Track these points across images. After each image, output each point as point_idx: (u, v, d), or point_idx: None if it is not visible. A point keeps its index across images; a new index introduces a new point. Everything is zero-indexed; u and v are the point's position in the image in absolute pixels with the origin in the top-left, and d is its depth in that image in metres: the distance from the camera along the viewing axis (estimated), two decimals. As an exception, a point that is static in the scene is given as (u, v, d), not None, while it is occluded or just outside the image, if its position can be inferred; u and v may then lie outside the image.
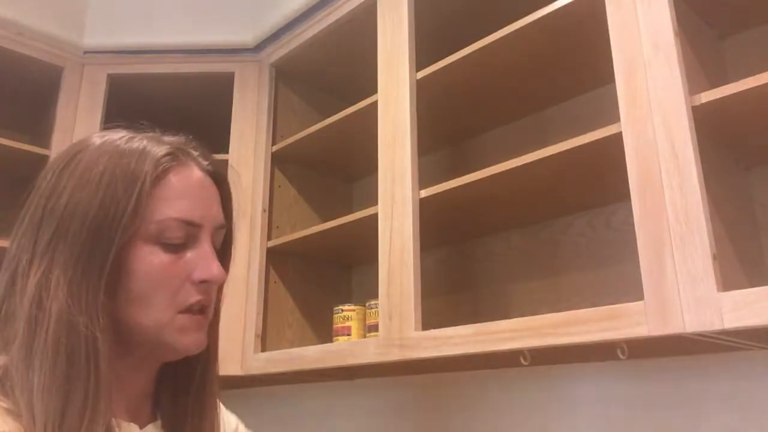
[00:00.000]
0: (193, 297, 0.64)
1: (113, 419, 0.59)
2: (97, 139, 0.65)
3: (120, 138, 0.65)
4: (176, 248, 0.63)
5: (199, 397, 0.70)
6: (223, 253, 0.71)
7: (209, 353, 0.71)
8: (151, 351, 0.65)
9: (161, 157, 0.64)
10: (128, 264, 0.61)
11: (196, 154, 0.69)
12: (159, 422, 0.69)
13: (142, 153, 0.63)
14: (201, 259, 0.64)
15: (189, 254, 0.64)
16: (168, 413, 0.70)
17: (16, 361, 0.56)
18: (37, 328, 0.56)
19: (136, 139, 0.65)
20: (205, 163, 0.69)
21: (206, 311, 0.66)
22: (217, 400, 0.73)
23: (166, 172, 0.64)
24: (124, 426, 0.64)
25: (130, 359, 0.65)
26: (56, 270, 0.58)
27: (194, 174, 0.66)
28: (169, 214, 0.62)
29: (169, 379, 0.71)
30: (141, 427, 0.67)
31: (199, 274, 0.64)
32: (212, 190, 0.68)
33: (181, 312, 0.63)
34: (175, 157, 0.65)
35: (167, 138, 0.68)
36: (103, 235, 0.59)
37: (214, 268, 0.64)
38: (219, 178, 0.70)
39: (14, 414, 0.54)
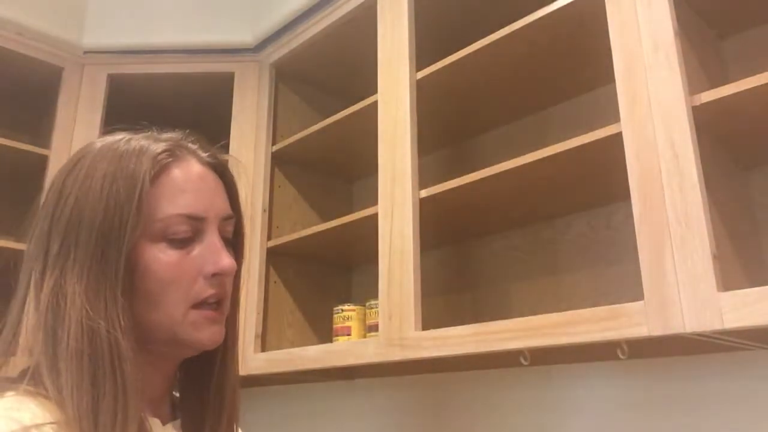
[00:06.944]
0: (207, 291, 0.64)
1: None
2: (98, 143, 0.66)
3: (119, 140, 0.66)
4: (183, 243, 0.63)
5: (217, 396, 0.69)
6: (235, 243, 0.71)
7: (227, 351, 0.70)
8: (169, 348, 0.65)
9: (158, 155, 0.64)
10: (139, 265, 0.61)
11: (194, 147, 0.69)
12: (179, 422, 0.69)
13: (140, 153, 0.64)
14: (210, 253, 0.64)
15: (198, 249, 0.64)
16: (187, 413, 0.70)
17: (42, 366, 0.57)
18: (58, 336, 0.57)
19: (133, 140, 0.65)
20: (205, 155, 0.69)
21: (222, 305, 0.66)
22: (238, 400, 0.72)
23: (164, 168, 0.64)
24: (149, 420, 0.64)
25: (149, 357, 0.65)
26: (70, 279, 0.59)
27: (193, 168, 0.66)
28: (171, 210, 0.63)
29: (188, 378, 0.71)
30: (162, 424, 0.67)
31: (210, 268, 0.64)
32: (214, 182, 0.68)
33: (194, 307, 0.63)
34: (173, 153, 0.66)
35: (165, 135, 0.68)
36: (112, 239, 0.59)
37: (224, 259, 0.64)
38: (221, 169, 0.70)
39: (58, 407, 0.55)
